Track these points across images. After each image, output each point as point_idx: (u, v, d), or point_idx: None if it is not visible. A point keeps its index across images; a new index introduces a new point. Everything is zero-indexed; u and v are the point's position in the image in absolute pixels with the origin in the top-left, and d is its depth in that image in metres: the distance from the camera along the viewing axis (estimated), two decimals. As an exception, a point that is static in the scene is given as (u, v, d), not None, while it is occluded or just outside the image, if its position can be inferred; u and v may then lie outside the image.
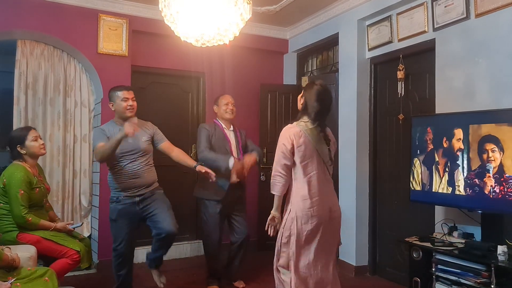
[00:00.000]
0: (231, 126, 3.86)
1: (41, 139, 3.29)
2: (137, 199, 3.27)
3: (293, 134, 2.60)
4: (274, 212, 2.66)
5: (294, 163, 2.62)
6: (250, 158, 3.67)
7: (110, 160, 3.23)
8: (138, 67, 4.71)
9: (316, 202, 2.59)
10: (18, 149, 3.17)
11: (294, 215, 2.58)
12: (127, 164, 3.24)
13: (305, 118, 2.69)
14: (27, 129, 3.28)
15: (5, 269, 2.49)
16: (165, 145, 3.45)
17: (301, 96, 2.75)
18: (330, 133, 2.77)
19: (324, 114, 2.72)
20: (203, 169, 3.31)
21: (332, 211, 2.67)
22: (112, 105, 3.32)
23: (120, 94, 3.28)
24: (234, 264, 3.87)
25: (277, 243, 2.69)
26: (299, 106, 2.76)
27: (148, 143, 3.36)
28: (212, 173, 3.30)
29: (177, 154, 3.43)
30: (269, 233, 2.69)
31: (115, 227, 3.32)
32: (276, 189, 2.61)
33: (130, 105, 3.29)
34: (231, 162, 3.50)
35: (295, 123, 2.69)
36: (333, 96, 4.59)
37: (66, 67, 4.49)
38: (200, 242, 5.01)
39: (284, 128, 2.68)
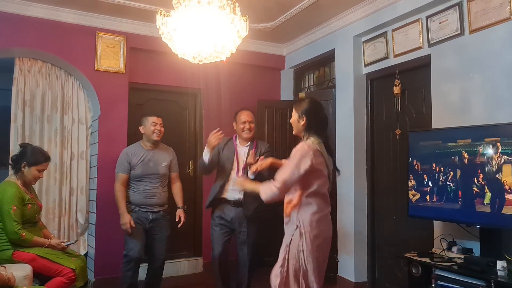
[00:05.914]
0: (248, 142, 3.67)
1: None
2: (150, 216, 3.64)
3: (312, 154, 2.46)
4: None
5: (305, 181, 2.50)
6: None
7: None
8: (136, 84, 4.73)
9: (325, 217, 2.57)
10: (22, 166, 3.16)
11: (303, 231, 2.49)
12: (145, 184, 3.66)
13: (314, 136, 2.57)
14: (46, 158, 3.29)
15: (0, 289, 2.46)
16: (173, 175, 3.88)
17: (299, 118, 2.66)
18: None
19: (326, 125, 2.70)
20: (178, 217, 3.74)
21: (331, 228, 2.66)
22: (142, 128, 3.75)
23: (151, 119, 3.72)
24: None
25: (284, 263, 2.52)
26: (300, 127, 2.64)
27: (166, 168, 3.78)
28: (181, 223, 3.71)
29: (175, 188, 3.87)
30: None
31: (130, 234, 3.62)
32: (267, 199, 2.52)
33: (158, 130, 3.71)
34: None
35: (309, 141, 2.55)
36: (330, 112, 4.68)
37: (63, 84, 4.50)
38: (198, 259, 4.97)
39: (302, 144, 2.53)
